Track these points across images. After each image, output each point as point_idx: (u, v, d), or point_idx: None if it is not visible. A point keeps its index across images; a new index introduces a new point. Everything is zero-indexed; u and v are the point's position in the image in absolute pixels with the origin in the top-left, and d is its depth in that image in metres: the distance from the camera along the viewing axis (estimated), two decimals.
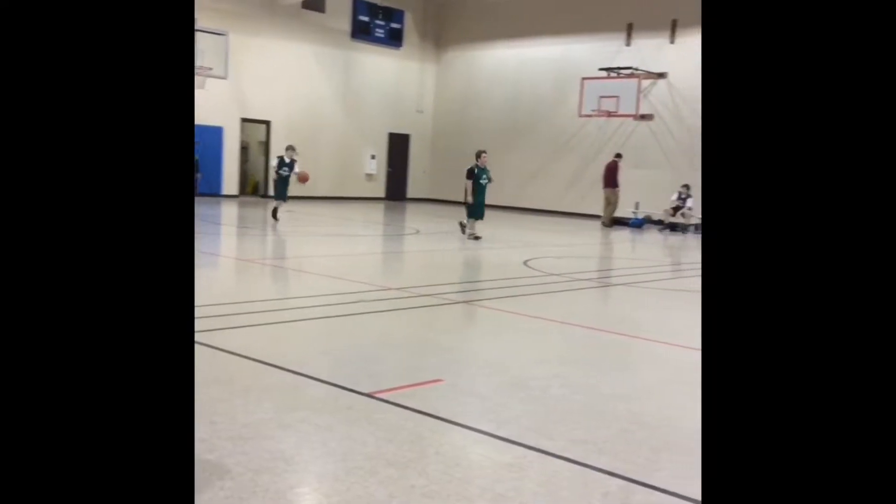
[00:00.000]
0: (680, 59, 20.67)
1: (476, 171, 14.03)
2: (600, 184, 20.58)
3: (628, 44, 21.67)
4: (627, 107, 20.94)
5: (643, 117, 21.10)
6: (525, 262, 11.55)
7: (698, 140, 20.52)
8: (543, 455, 3.70)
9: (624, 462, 3.66)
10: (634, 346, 6.53)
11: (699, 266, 12.98)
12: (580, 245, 15.24)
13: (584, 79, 21.70)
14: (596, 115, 21.57)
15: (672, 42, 20.92)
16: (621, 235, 17.88)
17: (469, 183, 14.03)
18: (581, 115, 21.94)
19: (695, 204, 19.22)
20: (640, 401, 4.77)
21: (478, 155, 14.31)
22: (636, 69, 20.93)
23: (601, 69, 21.38)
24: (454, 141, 25.66)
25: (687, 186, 19.44)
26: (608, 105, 21.22)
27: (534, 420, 4.24)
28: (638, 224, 19.71)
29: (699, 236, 18.18)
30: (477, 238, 13.86)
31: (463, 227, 14.35)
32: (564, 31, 22.99)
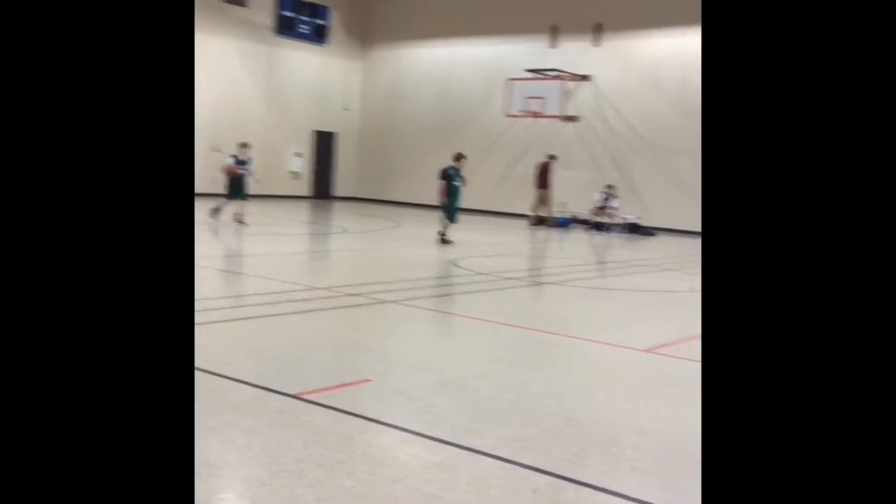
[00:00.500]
0: (604, 62, 21.09)
1: (451, 172, 13.75)
2: (528, 183, 20.81)
3: (554, 46, 21.99)
4: (553, 108, 21.25)
5: (569, 119, 21.44)
6: (453, 262, 11.57)
7: (622, 141, 21.03)
8: (473, 454, 3.69)
9: (553, 459, 3.68)
10: (563, 344, 6.61)
11: (624, 264, 13.26)
12: (508, 244, 15.37)
13: (510, 79, 21.91)
14: (523, 116, 21.81)
15: (596, 45, 21.32)
16: (548, 235, 18.12)
17: (442, 184, 13.71)
18: (508, 116, 22.15)
19: (619, 204, 19.64)
20: (568, 398, 4.82)
21: (457, 157, 14.03)
22: (561, 71, 21.26)
23: (527, 70, 21.63)
24: (382, 139, 25.54)
25: (611, 186, 19.85)
26: (535, 106, 21.49)
27: (463, 419, 4.23)
28: (564, 223, 20.03)
29: (623, 235, 18.59)
30: (447, 242, 13.34)
31: (446, 239, 13.56)
32: (491, 31, 23.16)
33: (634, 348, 6.33)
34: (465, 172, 14.02)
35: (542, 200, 20.10)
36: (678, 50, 20.06)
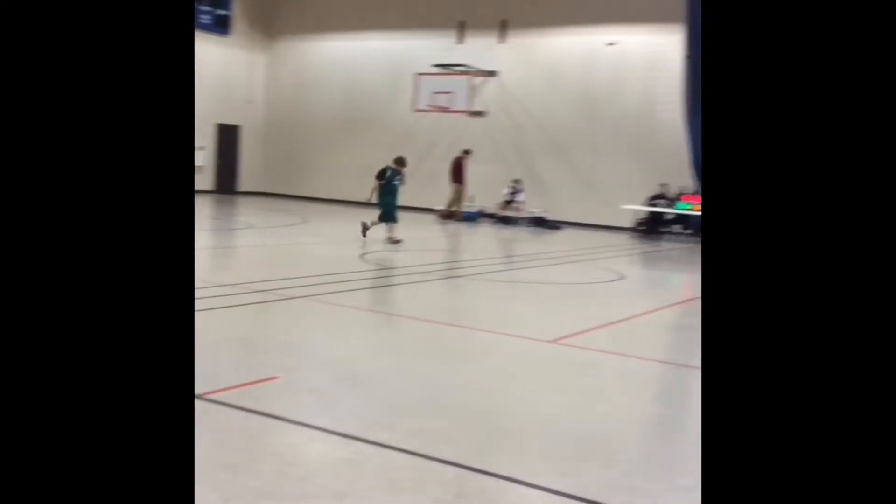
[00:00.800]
0: (510, 58, 21.40)
1: (388, 172, 13.41)
2: (437, 178, 20.90)
3: (461, 42, 22.15)
4: (461, 103, 21.41)
5: (476, 114, 21.65)
6: (361, 256, 11.52)
7: (527, 136, 21.39)
8: (381, 448, 3.69)
9: (461, 450, 3.73)
10: (470, 336, 6.68)
11: (530, 258, 13.52)
12: (416, 238, 15.41)
13: (418, 74, 21.94)
14: (430, 111, 21.89)
15: (502, 42, 21.61)
16: (456, 229, 18.26)
17: (376, 183, 13.34)
18: (416, 111, 22.18)
19: (525, 198, 19.99)
20: (476, 390, 4.88)
21: (398, 161, 13.74)
22: (468, 67, 21.44)
23: (434, 65, 21.70)
24: (288, 133, 25.11)
25: (517, 181, 20.18)
26: (442, 101, 21.59)
27: (372, 414, 4.22)
28: (472, 218, 20.22)
29: (529, 229, 18.94)
30: (396, 241, 12.92)
31: (393, 240, 13.09)
32: (398, 26, 23.12)
33: (540, 339, 6.46)
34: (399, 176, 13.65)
35: (458, 195, 20.23)
36: (580, 48, 20.56)
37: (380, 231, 13.18)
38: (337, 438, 3.80)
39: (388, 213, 13.24)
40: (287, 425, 3.97)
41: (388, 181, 13.39)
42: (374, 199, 13.47)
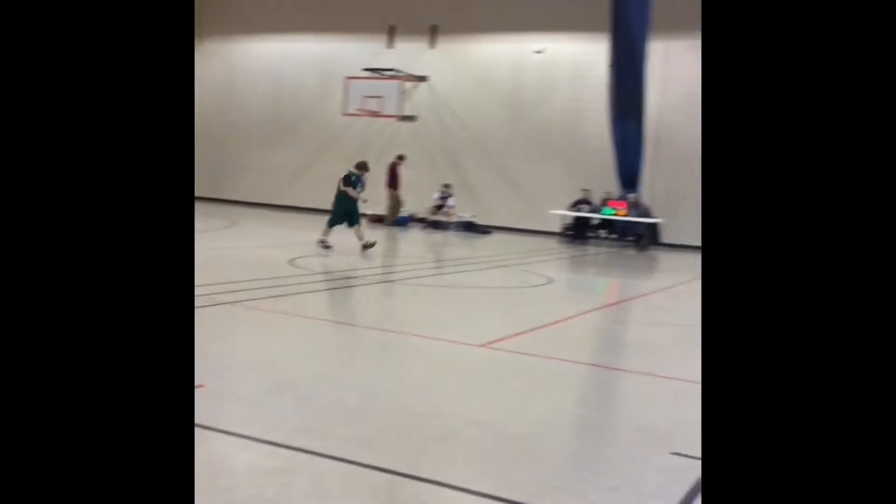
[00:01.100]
0: (440, 63, 21.51)
1: (353, 178, 13.22)
2: (368, 183, 20.78)
3: (391, 46, 22.14)
4: (391, 107, 21.40)
5: (406, 118, 21.67)
6: (291, 261, 11.37)
7: (457, 141, 21.53)
8: (312, 456, 3.66)
9: (392, 456, 3.72)
10: (401, 341, 6.68)
11: (461, 262, 13.60)
12: (347, 243, 15.31)
13: (347, 78, 21.82)
14: (360, 115, 21.79)
15: (432, 47, 21.70)
16: (386, 233, 18.22)
17: (348, 189, 13.08)
18: (346, 114, 22.05)
19: (455, 202, 20.10)
20: (407, 395, 4.88)
21: (360, 165, 13.52)
22: (399, 71, 21.45)
23: (365, 69, 21.63)
24: (215, 135, 24.59)
25: (448, 186, 20.28)
26: (372, 105, 21.53)
27: (302, 421, 4.18)
28: (403, 222, 20.22)
29: (459, 233, 19.05)
30: (369, 245, 12.78)
31: (367, 245, 12.87)
32: (327, 28, 22.96)
33: (470, 343, 6.51)
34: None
35: (395, 201, 20.15)
36: (509, 55, 20.83)
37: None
38: (266, 447, 3.75)
39: (353, 216, 13.13)
40: (214, 434, 3.89)
41: (353, 187, 13.25)
42: (360, 197, 13.30)
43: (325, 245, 12.76)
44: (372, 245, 12.84)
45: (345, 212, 13.07)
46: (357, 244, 12.78)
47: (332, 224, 13.06)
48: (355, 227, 13.08)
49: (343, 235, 15.29)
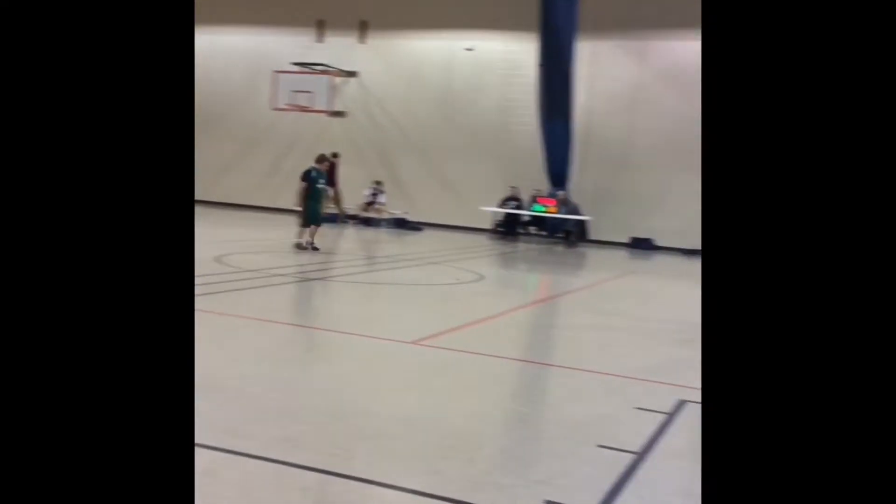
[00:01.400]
0: (370, 59, 21.38)
1: (313, 173, 12.80)
2: (296, 178, 20.51)
3: (320, 41, 21.89)
4: (321, 103, 21.16)
5: (336, 114, 21.48)
6: (217, 259, 11.13)
7: (389, 138, 21.45)
8: (239, 457, 3.58)
9: (321, 455, 3.68)
10: (331, 339, 6.62)
11: (392, 259, 13.56)
12: (276, 240, 15.07)
13: (276, 72, 21.48)
14: (290, 109, 21.48)
15: (362, 42, 21.54)
16: (318, 230, 18.00)
17: (303, 186, 12.67)
18: (274, 109, 21.70)
19: (387, 199, 20.03)
20: (336, 393, 4.84)
21: (319, 159, 13.11)
22: (328, 66, 21.22)
23: (294, 63, 21.33)
24: None
25: (379, 182, 20.18)
26: (302, 100, 21.25)
27: (229, 422, 4.09)
28: (333, 219, 20.02)
29: (391, 230, 18.99)
30: (315, 249, 12.48)
31: (302, 245, 12.63)
32: (254, 21, 22.54)
33: (401, 340, 6.50)
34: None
35: (337, 198, 19.90)
36: (440, 52, 20.86)
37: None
38: None
39: (314, 216, 12.74)
40: None
41: (313, 183, 12.86)
42: (299, 206, 12.80)
43: (303, 247, 12.45)
44: (316, 249, 12.60)
45: (313, 209, 12.71)
46: (291, 241, 12.60)
47: (306, 224, 12.69)
48: (312, 226, 12.77)
49: (273, 232, 15.06)
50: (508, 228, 19.21)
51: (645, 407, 4.90)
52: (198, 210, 18.90)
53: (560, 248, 18.04)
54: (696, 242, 17.32)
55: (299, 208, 12.86)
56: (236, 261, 11.11)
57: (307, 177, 12.88)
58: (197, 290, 8.38)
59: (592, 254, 17.68)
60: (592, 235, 19.10)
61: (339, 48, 21.55)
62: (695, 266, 16.03)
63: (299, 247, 12.52)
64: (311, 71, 21.36)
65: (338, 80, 21.50)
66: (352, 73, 21.49)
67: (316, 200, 12.84)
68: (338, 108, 21.48)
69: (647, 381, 5.76)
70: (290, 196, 21.33)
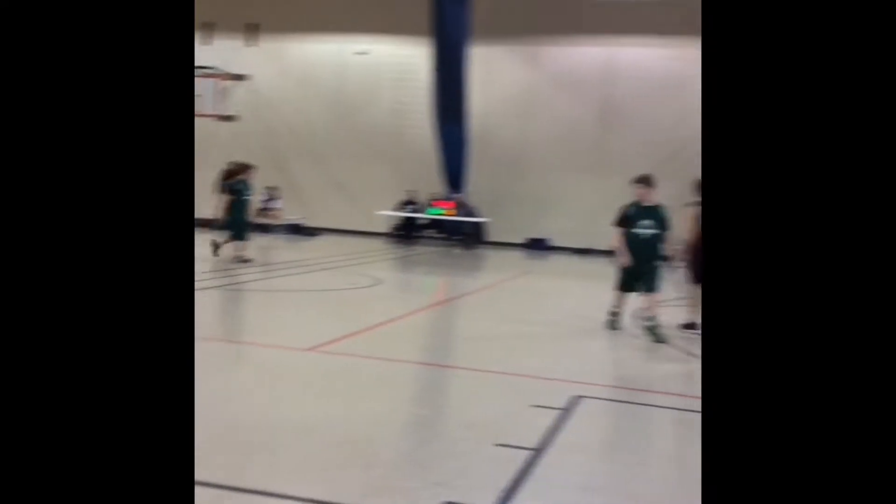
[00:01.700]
0: (261, 62, 20.94)
1: (239, 185, 12.17)
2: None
3: (207, 43, 21.27)
4: (208, 106, 20.55)
5: (226, 118, 20.91)
6: None
7: (282, 142, 21.05)
8: None
9: (216, 469, 3.56)
10: (225, 349, 6.42)
11: (288, 265, 13.30)
12: None
13: None
14: None
15: (251, 45, 21.09)
16: (209, 237, 17.48)
17: (227, 198, 12.04)
18: None
19: (282, 205, 19.65)
20: (231, 404, 4.69)
21: (242, 168, 12.42)
22: (216, 69, 20.64)
23: None
24: None
25: (273, 188, 19.78)
26: None
27: None
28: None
29: (286, 236, 18.64)
30: (246, 261, 11.96)
31: (217, 246, 12.13)
32: None
33: (296, 348, 6.38)
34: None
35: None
36: (332, 56, 20.67)
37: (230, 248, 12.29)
38: None
39: (240, 229, 12.27)
40: None
41: (238, 194, 12.34)
42: (220, 216, 12.25)
43: (241, 259, 12.08)
44: (248, 261, 12.20)
45: (242, 221, 12.32)
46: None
47: (237, 238, 12.27)
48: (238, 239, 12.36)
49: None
50: (406, 232, 19.23)
51: (541, 404, 4.99)
52: None
53: (457, 251, 18.20)
54: (588, 242, 17.85)
55: (220, 219, 12.45)
56: None
57: (231, 188, 12.53)
58: None
59: (490, 255, 17.93)
60: (489, 237, 19.37)
61: (226, 51, 20.99)
62: (587, 265, 16.52)
63: (240, 259, 12.13)
64: (197, 74, 20.72)
65: (226, 83, 20.94)
66: (239, 77, 20.99)
67: (241, 212, 12.45)
68: (227, 112, 20.92)
69: (544, 378, 5.87)
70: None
